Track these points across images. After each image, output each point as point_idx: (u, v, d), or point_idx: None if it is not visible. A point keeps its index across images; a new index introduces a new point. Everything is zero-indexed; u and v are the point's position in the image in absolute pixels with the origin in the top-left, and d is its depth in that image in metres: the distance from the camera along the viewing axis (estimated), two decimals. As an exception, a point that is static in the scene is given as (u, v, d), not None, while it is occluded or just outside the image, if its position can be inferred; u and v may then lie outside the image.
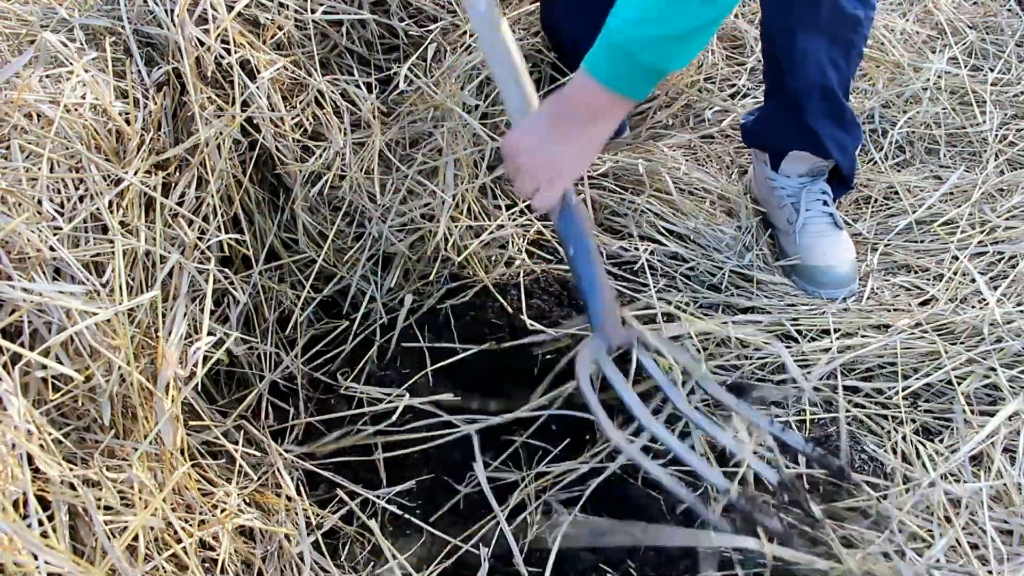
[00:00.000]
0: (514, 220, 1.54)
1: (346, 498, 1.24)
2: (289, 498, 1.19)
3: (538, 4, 1.77)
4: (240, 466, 1.18)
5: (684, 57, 1.08)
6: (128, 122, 1.21)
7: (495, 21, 1.14)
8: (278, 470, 1.21)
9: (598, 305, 1.17)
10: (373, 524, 1.19)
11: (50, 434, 0.95)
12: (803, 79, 1.50)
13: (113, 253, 1.09)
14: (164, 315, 1.12)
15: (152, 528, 1.00)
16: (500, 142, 1.14)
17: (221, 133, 1.29)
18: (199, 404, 1.23)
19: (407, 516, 1.23)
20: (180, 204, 1.25)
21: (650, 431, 1.14)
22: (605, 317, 1.18)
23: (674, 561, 1.14)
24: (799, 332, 1.46)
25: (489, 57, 1.16)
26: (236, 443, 1.20)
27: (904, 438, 1.30)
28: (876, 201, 1.80)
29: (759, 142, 1.69)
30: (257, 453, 1.24)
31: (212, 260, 1.22)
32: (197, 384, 1.13)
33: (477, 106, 1.52)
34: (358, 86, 1.52)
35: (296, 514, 1.17)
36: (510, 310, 1.40)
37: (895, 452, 1.28)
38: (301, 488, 1.23)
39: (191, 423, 1.20)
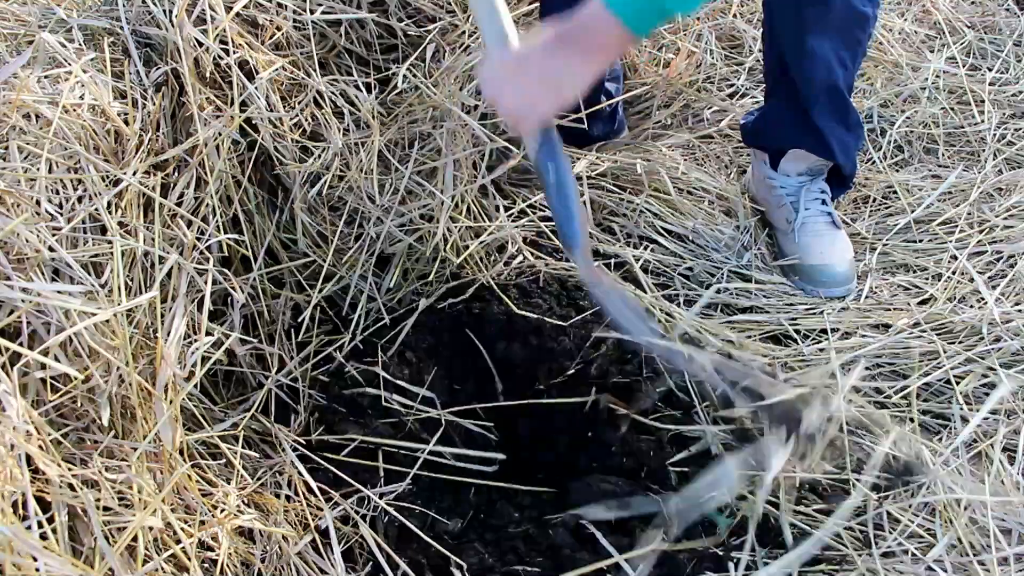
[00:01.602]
0: (512, 220, 1.54)
1: (340, 500, 1.24)
2: (289, 498, 1.19)
3: (537, 4, 1.77)
4: (240, 466, 1.18)
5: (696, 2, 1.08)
6: (127, 123, 1.21)
7: None
8: (292, 463, 1.21)
9: (577, 229, 1.16)
10: (365, 529, 1.19)
11: (49, 435, 0.95)
12: (811, 79, 1.50)
13: (112, 254, 1.09)
14: (163, 316, 1.12)
15: (151, 529, 1.00)
16: (481, 66, 1.09)
17: (220, 134, 1.28)
18: (199, 405, 1.23)
19: (407, 516, 1.23)
20: (179, 205, 1.25)
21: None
22: (584, 241, 1.18)
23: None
24: (797, 332, 1.47)
25: None
26: (235, 443, 1.20)
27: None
28: (875, 200, 1.80)
29: (761, 142, 1.69)
30: (255, 454, 1.24)
31: (211, 260, 1.22)
32: (196, 385, 1.13)
33: (476, 106, 1.52)
34: (357, 87, 1.52)
35: (300, 510, 1.17)
36: (510, 310, 1.40)
37: (894, 452, 1.28)
38: (307, 486, 1.22)
39: (191, 423, 1.20)
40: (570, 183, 1.15)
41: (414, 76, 1.53)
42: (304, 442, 1.29)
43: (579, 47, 1.08)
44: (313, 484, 1.22)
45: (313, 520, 1.17)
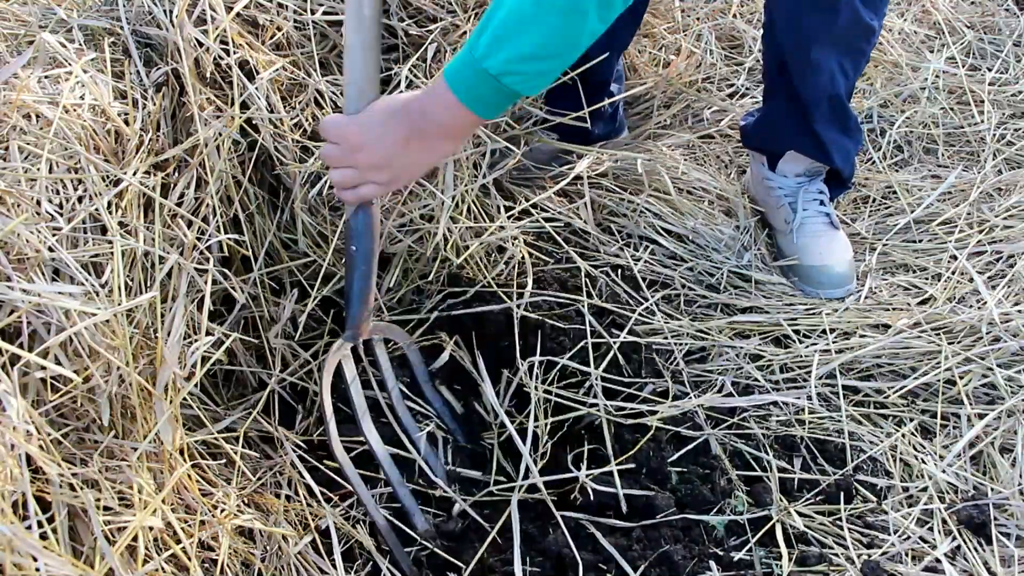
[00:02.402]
0: (513, 220, 1.54)
1: (336, 501, 1.24)
2: (289, 498, 1.19)
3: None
4: (240, 467, 1.18)
5: (545, 82, 1.06)
6: (127, 123, 1.21)
7: None
8: (292, 463, 1.22)
9: (358, 307, 1.23)
10: (362, 534, 1.19)
11: (49, 435, 0.95)
12: (812, 88, 1.50)
13: (112, 254, 1.09)
14: (163, 316, 1.12)
15: (151, 529, 1.00)
16: (325, 123, 1.10)
17: (220, 134, 1.28)
18: (200, 405, 1.23)
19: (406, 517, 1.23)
20: (179, 205, 1.25)
21: (374, 449, 1.26)
22: (359, 322, 1.24)
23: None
24: (796, 332, 1.47)
25: (349, 22, 1.09)
26: (236, 443, 1.20)
27: (904, 437, 1.31)
28: (874, 200, 1.80)
29: (759, 144, 1.69)
30: (255, 454, 1.24)
31: (212, 260, 1.22)
32: (196, 385, 1.13)
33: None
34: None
35: (300, 511, 1.17)
36: (510, 310, 1.40)
37: (894, 452, 1.29)
38: (307, 487, 1.23)
39: (191, 424, 1.20)
40: (361, 266, 1.19)
41: (415, 76, 1.53)
42: (304, 443, 1.29)
43: (427, 139, 1.08)
44: (314, 486, 1.22)
45: (313, 520, 1.18)
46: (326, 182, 1.41)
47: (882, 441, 1.30)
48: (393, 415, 1.34)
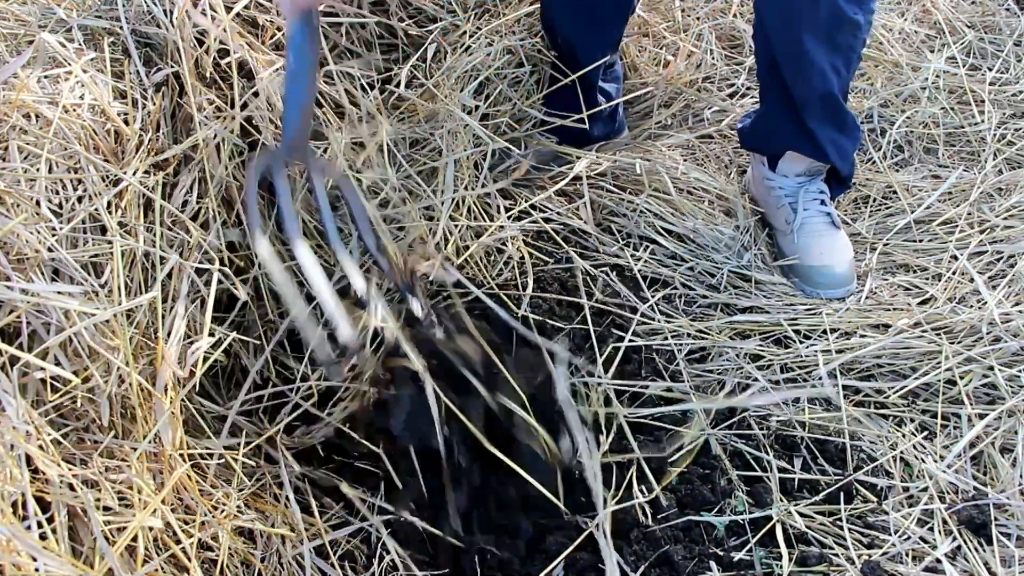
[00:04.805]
0: (513, 220, 1.54)
1: (337, 504, 1.24)
2: (289, 499, 1.19)
3: (538, 4, 1.77)
4: (240, 467, 1.18)
5: None
6: (127, 123, 1.21)
7: None
8: (293, 464, 1.22)
9: (294, 117, 1.19)
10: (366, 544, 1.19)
11: (49, 435, 0.95)
12: (805, 86, 1.50)
13: (112, 254, 1.09)
14: (163, 316, 1.12)
15: (151, 529, 1.00)
16: None
17: (218, 135, 1.28)
18: (200, 407, 1.23)
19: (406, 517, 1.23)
20: (179, 205, 1.25)
21: (297, 253, 1.14)
22: (295, 132, 1.20)
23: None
24: (797, 332, 1.47)
25: None
26: (236, 447, 1.20)
27: (904, 437, 1.30)
28: (875, 200, 1.80)
29: (757, 145, 1.69)
30: (252, 462, 1.24)
31: (215, 261, 1.22)
32: (197, 385, 1.13)
33: (477, 107, 1.52)
34: (361, 86, 1.52)
35: (301, 512, 1.17)
36: (510, 310, 1.40)
37: (894, 452, 1.29)
38: (307, 488, 1.23)
39: (192, 423, 1.19)
40: (297, 79, 1.15)
41: (415, 76, 1.53)
42: (304, 444, 1.29)
43: None
44: (313, 487, 1.22)
45: (308, 531, 1.17)
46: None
47: (883, 441, 1.30)
48: (321, 237, 1.27)
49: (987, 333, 1.42)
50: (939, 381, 1.36)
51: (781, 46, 1.49)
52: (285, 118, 1.20)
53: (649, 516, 1.19)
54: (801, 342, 1.45)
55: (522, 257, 1.48)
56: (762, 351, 1.42)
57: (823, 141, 1.56)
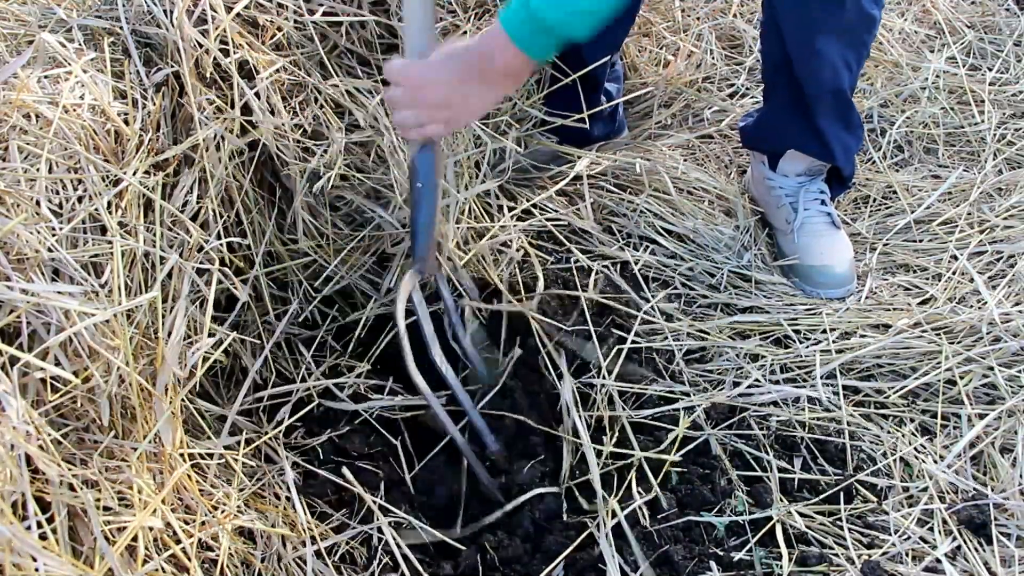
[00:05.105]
0: (515, 220, 1.54)
1: (339, 503, 1.24)
2: (289, 499, 1.19)
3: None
4: (240, 467, 1.18)
5: (591, 28, 1.12)
6: (127, 123, 1.21)
7: None
8: (293, 464, 1.22)
9: (425, 239, 1.28)
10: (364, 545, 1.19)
11: (49, 435, 0.95)
12: (817, 80, 1.49)
13: (112, 254, 1.09)
14: (163, 316, 1.12)
15: (151, 529, 1.00)
16: (390, 66, 1.17)
17: (217, 135, 1.28)
18: (199, 408, 1.23)
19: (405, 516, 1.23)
20: (179, 205, 1.25)
21: (443, 373, 1.31)
22: (426, 251, 1.29)
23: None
24: (797, 332, 1.47)
25: None
26: (236, 447, 1.20)
27: (903, 437, 1.30)
28: (875, 200, 1.80)
29: (761, 145, 1.69)
30: (252, 462, 1.24)
31: (216, 261, 1.22)
32: (197, 385, 1.13)
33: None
34: (358, 88, 1.52)
35: (300, 512, 1.17)
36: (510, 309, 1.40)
37: (894, 452, 1.29)
38: (307, 489, 1.23)
39: (191, 424, 1.20)
40: (425, 204, 1.24)
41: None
42: (305, 445, 1.29)
43: (482, 78, 1.14)
44: (314, 487, 1.22)
45: (310, 532, 1.17)
46: (329, 180, 1.40)
47: (883, 441, 1.30)
48: (458, 344, 1.39)
49: (987, 333, 1.42)
50: (939, 381, 1.36)
51: (798, 42, 1.47)
52: (416, 240, 1.28)
53: (649, 516, 1.18)
54: (801, 342, 1.45)
55: (523, 256, 1.48)
56: (762, 351, 1.42)
57: (829, 138, 1.56)
